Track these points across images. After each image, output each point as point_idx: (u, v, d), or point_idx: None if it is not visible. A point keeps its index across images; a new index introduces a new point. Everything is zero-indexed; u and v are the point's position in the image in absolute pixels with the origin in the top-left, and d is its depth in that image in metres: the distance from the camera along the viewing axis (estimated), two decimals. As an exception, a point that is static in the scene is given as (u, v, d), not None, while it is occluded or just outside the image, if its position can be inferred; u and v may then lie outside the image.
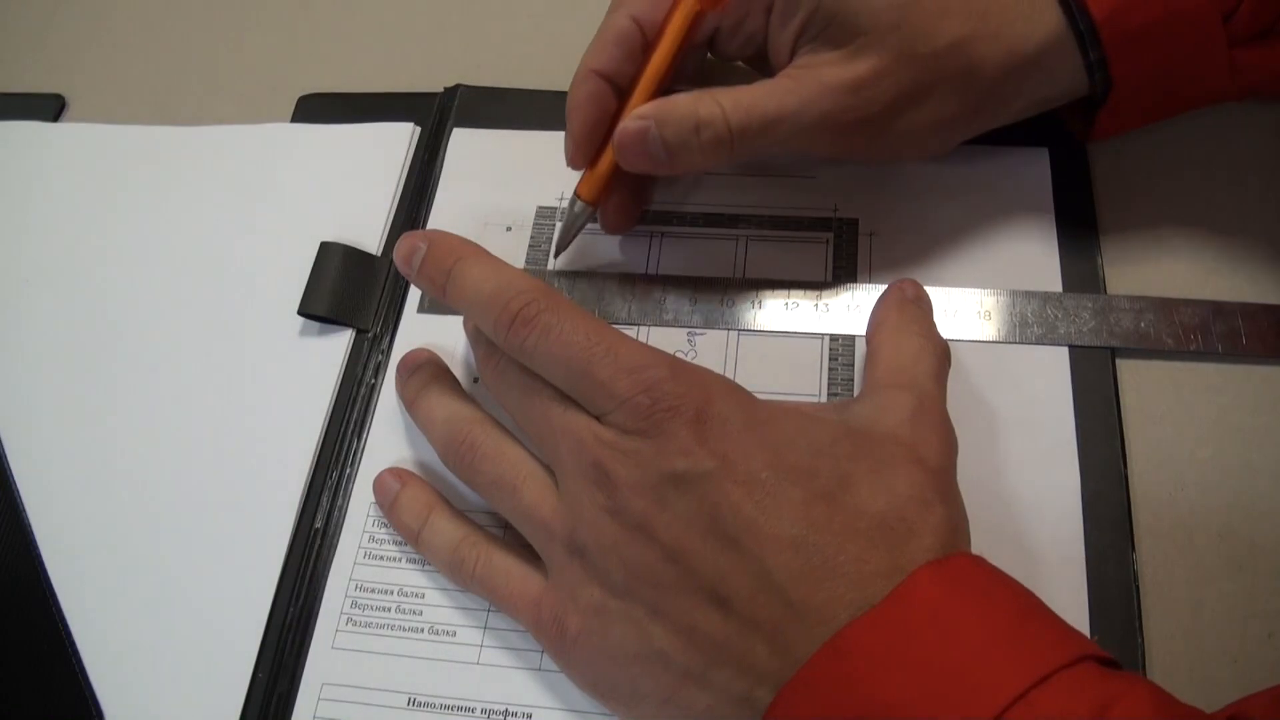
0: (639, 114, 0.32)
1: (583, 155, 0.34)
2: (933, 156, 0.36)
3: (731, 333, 0.35)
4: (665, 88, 0.33)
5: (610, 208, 0.36)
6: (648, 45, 0.33)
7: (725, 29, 0.34)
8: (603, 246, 0.38)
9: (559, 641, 0.28)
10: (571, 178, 0.39)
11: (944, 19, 0.31)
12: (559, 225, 0.38)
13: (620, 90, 0.34)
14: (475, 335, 0.32)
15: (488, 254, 0.31)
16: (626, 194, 0.36)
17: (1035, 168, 0.37)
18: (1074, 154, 0.37)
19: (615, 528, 0.27)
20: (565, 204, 0.39)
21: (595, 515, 0.27)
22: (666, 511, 0.26)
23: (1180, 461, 0.32)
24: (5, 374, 0.38)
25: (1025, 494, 0.31)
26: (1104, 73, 0.32)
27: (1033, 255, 0.35)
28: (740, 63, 0.38)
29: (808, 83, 0.32)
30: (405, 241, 0.32)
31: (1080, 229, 0.36)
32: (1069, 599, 0.29)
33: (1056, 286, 0.35)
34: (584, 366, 0.27)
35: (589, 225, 0.36)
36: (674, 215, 0.38)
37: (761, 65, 0.35)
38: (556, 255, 0.37)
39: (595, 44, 0.34)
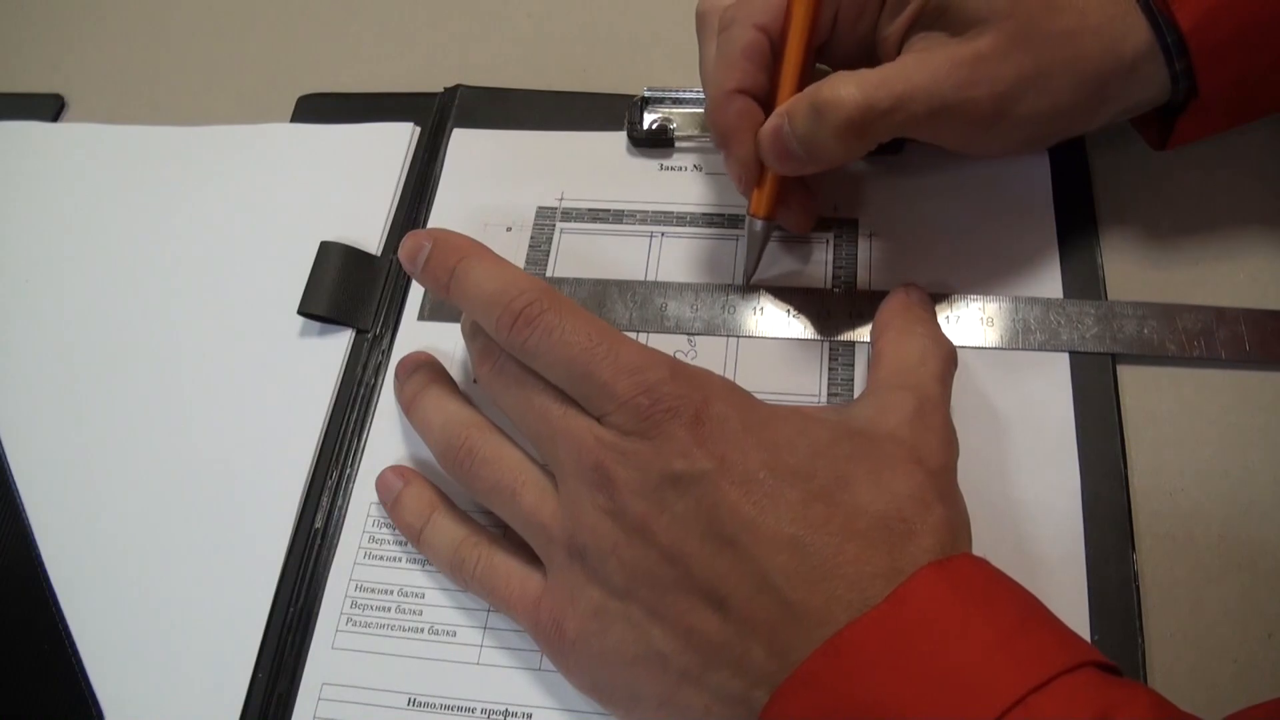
0: (777, 112, 0.31)
1: (751, 177, 0.33)
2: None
3: (732, 336, 0.35)
4: (805, 84, 0.32)
5: (790, 211, 0.35)
6: (775, 50, 0.32)
7: (842, 24, 0.33)
8: (603, 245, 0.38)
9: (557, 644, 0.28)
10: (570, 177, 0.39)
11: (1051, 10, 0.30)
12: (741, 247, 0.36)
13: (763, 103, 0.33)
14: (472, 332, 0.32)
15: (492, 253, 0.31)
16: (801, 191, 0.35)
17: (1035, 166, 0.37)
18: (1074, 153, 0.37)
19: (615, 530, 0.27)
20: (561, 204, 0.39)
21: (595, 518, 0.27)
22: (665, 513, 0.26)
23: (1180, 462, 0.32)
24: (5, 374, 0.38)
25: (1026, 494, 0.31)
26: (1189, 81, 0.31)
27: (1033, 254, 0.35)
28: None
29: (933, 58, 0.31)
30: (410, 240, 0.32)
31: (1080, 228, 0.36)
32: (1069, 599, 0.29)
33: (1056, 285, 0.35)
34: (585, 367, 0.27)
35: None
36: (674, 215, 0.38)
37: (869, 65, 0.33)
38: (747, 282, 0.36)
39: (723, 63, 0.32)
